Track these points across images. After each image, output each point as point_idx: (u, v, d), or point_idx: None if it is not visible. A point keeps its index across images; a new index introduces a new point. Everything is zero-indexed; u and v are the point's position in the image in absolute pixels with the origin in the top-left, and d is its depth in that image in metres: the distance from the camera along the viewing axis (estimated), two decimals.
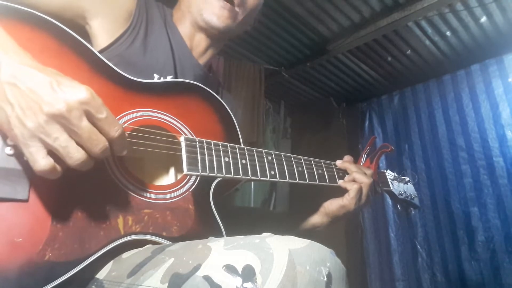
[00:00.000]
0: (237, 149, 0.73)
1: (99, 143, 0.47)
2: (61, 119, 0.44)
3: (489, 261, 2.48)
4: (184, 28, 0.87)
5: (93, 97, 0.47)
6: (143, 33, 0.79)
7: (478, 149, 2.67)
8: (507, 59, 2.65)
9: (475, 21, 2.51)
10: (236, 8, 0.84)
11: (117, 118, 0.61)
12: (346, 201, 0.88)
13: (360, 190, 0.89)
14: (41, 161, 0.44)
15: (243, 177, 0.71)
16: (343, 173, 0.94)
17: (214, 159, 0.69)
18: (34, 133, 0.44)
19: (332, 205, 0.89)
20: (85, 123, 0.46)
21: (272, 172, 0.76)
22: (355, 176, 0.91)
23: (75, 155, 0.46)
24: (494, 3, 2.31)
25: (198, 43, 0.89)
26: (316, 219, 0.92)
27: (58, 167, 0.46)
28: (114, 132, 0.49)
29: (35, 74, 0.46)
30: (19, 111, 0.44)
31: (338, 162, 0.95)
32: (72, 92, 0.45)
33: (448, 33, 2.65)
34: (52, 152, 0.46)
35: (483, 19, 2.49)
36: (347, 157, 0.99)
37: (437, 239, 2.76)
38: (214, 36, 0.88)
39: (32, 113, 0.44)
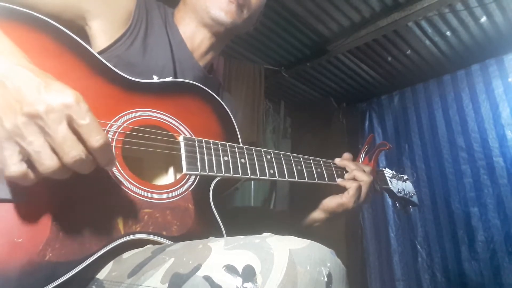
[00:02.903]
0: (236, 148, 0.73)
1: (72, 151, 0.43)
2: (38, 121, 0.42)
3: (489, 261, 2.48)
4: (187, 28, 0.87)
5: (78, 102, 0.44)
6: (142, 34, 0.79)
7: (478, 149, 2.67)
8: (507, 59, 2.65)
9: (475, 21, 2.51)
10: (241, 3, 0.84)
11: (116, 118, 0.61)
12: (345, 199, 0.87)
13: (359, 188, 0.89)
14: (12, 167, 0.42)
15: (242, 176, 0.71)
16: (342, 171, 0.94)
17: (213, 159, 0.69)
18: (11, 135, 0.42)
19: (331, 202, 0.89)
20: (62, 127, 0.42)
21: (271, 171, 0.76)
22: (355, 174, 0.91)
23: (45, 161, 0.42)
24: (494, 3, 2.31)
25: (200, 43, 0.88)
26: (315, 215, 0.92)
27: (32, 175, 0.43)
28: (95, 142, 0.44)
29: (27, 74, 0.44)
30: (1, 110, 0.42)
31: (337, 160, 0.96)
32: (57, 95, 0.43)
33: (448, 33, 2.65)
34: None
35: (483, 19, 2.49)
36: (346, 155, 0.99)
37: (437, 239, 2.76)
38: (219, 34, 0.88)
39: (11, 113, 0.42)
